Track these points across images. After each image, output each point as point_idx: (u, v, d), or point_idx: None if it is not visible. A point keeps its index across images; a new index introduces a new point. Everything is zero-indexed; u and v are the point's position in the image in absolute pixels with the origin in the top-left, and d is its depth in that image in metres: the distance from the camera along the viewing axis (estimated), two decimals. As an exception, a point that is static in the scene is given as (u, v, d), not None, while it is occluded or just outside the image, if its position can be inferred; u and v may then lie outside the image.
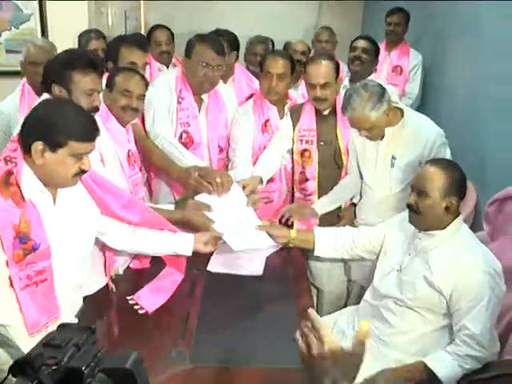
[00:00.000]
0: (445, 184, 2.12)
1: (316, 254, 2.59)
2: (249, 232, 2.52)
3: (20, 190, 1.76)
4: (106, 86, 2.48)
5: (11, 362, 1.70)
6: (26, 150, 1.77)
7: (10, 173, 1.75)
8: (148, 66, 3.67)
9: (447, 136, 2.78)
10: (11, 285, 1.79)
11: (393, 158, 2.72)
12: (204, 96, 3.03)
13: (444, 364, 2.08)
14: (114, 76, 2.51)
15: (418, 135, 2.67)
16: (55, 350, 0.95)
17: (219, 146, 3.09)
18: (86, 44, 3.75)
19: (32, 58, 3.26)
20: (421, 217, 2.18)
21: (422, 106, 4.45)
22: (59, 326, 1.02)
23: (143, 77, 2.60)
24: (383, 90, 2.58)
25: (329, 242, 2.54)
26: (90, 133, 1.83)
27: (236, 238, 2.43)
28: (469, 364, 2.05)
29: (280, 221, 2.88)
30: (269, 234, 2.51)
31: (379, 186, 2.79)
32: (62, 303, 1.95)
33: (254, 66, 3.78)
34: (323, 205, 2.95)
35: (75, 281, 2.03)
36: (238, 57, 3.66)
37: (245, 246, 2.47)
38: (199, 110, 3.03)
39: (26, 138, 1.77)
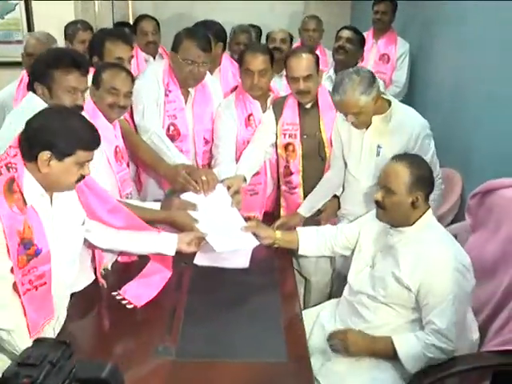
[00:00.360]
0: (410, 180, 2.14)
1: (300, 253, 2.61)
2: (233, 232, 2.53)
3: (22, 196, 1.79)
4: (93, 82, 2.47)
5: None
6: (30, 158, 1.79)
7: (12, 180, 1.77)
8: (134, 57, 3.69)
9: (434, 125, 2.79)
10: (15, 290, 1.82)
11: (378, 147, 2.72)
12: (191, 89, 3.04)
13: (409, 346, 2.12)
14: (100, 73, 2.50)
15: (403, 126, 2.68)
16: (30, 369, 0.96)
17: (205, 139, 3.10)
18: (72, 35, 3.73)
19: (29, 50, 3.34)
20: (387, 212, 2.21)
21: (408, 94, 4.46)
22: (35, 341, 1.04)
23: (129, 73, 2.59)
24: (374, 76, 2.60)
25: (312, 242, 2.56)
26: (97, 142, 1.89)
27: (220, 239, 2.44)
28: (432, 353, 2.08)
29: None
30: (254, 235, 2.52)
31: (364, 176, 2.79)
32: (56, 303, 1.99)
33: (237, 55, 3.77)
34: (308, 208, 2.96)
35: (68, 280, 2.06)
36: (224, 47, 3.65)
37: (228, 247, 2.47)
38: (185, 103, 3.04)
39: (32, 148, 1.78)
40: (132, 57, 2.98)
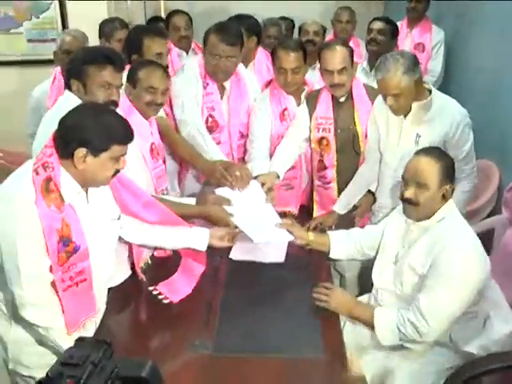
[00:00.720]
0: (441, 173, 2.13)
1: (331, 256, 2.58)
2: (268, 226, 2.53)
3: (60, 195, 1.81)
4: (128, 81, 2.50)
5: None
6: (66, 156, 1.82)
7: (49, 179, 1.79)
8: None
9: (470, 115, 2.74)
10: (53, 289, 1.85)
11: (417, 135, 2.68)
12: (226, 83, 3.07)
13: (386, 318, 2.16)
14: (135, 71, 2.51)
15: (443, 114, 2.65)
16: (74, 369, 0.98)
17: (240, 132, 3.13)
18: (110, 33, 3.74)
19: (66, 47, 3.40)
20: (420, 209, 2.18)
21: (444, 83, 4.39)
22: (76, 341, 1.06)
23: (165, 70, 2.61)
24: (417, 60, 2.59)
25: (342, 246, 2.55)
26: (129, 135, 1.90)
27: (256, 231, 2.44)
28: (407, 329, 2.09)
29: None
30: (289, 233, 2.51)
31: (401, 165, 2.71)
32: (97, 298, 2.02)
33: (269, 48, 3.75)
34: (343, 205, 2.96)
35: (106, 275, 2.09)
36: (259, 41, 3.65)
37: (264, 238, 2.48)
38: (221, 97, 3.07)
39: (67, 145, 1.80)
40: (169, 50, 3.04)
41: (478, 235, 2.21)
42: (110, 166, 1.86)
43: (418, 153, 2.23)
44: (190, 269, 2.40)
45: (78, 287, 1.90)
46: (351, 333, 2.26)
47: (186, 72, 3.05)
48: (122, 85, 2.31)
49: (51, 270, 1.81)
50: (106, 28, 3.79)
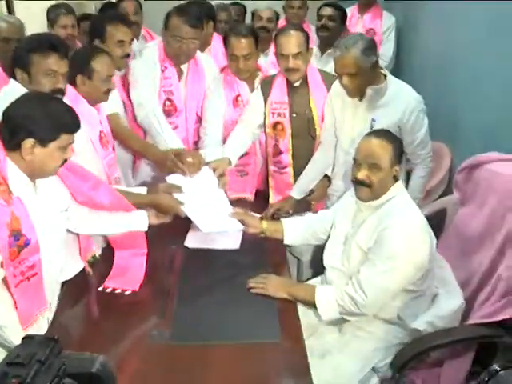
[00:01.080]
0: (392, 154, 2.18)
1: (286, 243, 2.60)
2: (219, 214, 2.53)
3: (8, 188, 1.78)
4: (81, 72, 2.45)
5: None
6: (12, 147, 1.78)
7: None
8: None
9: (422, 96, 2.78)
10: (4, 285, 1.81)
11: (372, 120, 2.71)
12: (183, 66, 3.09)
13: (326, 295, 2.22)
14: (87, 62, 2.46)
15: (398, 99, 2.68)
16: (19, 368, 0.96)
17: (197, 115, 3.14)
18: (55, 19, 3.67)
19: (4, 34, 3.25)
20: (373, 190, 2.21)
21: (395, 68, 4.44)
22: (23, 339, 1.03)
23: (111, 56, 2.59)
24: (375, 44, 2.63)
25: (296, 232, 2.57)
26: (78, 123, 1.90)
27: (206, 220, 2.45)
28: (345, 302, 2.15)
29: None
30: (241, 223, 2.52)
31: (355, 149, 2.78)
32: (48, 292, 1.99)
33: (219, 33, 3.79)
34: (300, 190, 2.99)
35: (57, 267, 2.07)
36: (214, 26, 3.65)
37: (214, 228, 2.49)
38: (179, 80, 3.08)
39: (14, 136, 1.77)
40: (132, 39, 3.01)
41: (430, 215, 2.29)
42: (58, 156, 1.85)
43: (368, 135, 2.27)
44: (131, 256, 2.42)
45: (29, 281, 1.87)
46: (303, 313, 2.28)
47: (144, 56, 3.05)
48: (66, 72, 2.26)
49: (2, 265, 1.77)
50: (52, 13, 3.72)
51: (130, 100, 3.05)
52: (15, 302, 1.84)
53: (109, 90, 2.51)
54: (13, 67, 2.24)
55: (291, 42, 2.77)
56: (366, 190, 2.22)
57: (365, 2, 4.55)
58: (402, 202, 2.22)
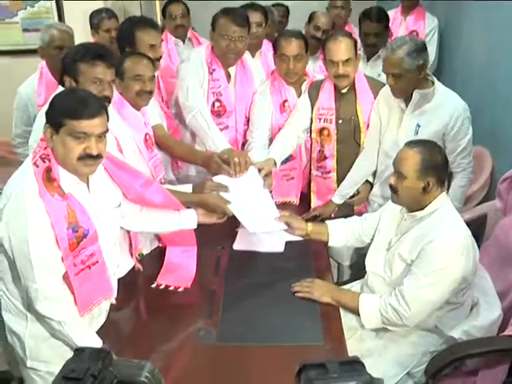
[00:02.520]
0: (420, 166, 2.17)
1: (330, 245, 2.64)
2: (264, 215, 2.57)
3: (59, 185, 1.85)
4: (116, 75, 2.48)
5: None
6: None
7: (49, 169, 1.84)
8: (164, 42, 3.74)
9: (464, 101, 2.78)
10: (65, 282, 1.90)
11: (417, 125, 2.72)
12: (231, 69, 3.15)
13: (370, 303, 2.26)
14: (121, 64, 2.55)
15: (444, 106, 2.69)
16: (75, 383, 1.01)
17: (246, 117, 3.20)
18: (98, 24, 3.75)
19: (59, 43, 3.34)
20: (399, 197, 2.25)
21: (437, 70, 4.41)
22: (76, 351, 1.08)
23: (150, 59, 2.65)
24: (426, 47, 2.66)
25: (341, 235, 2.60)
26: (86, 109, 1.83)
27: (252, 220, 2.50)
28: (388, 313, 2.19)
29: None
30: (287, 225, 2.55)
31: None
32: (113, 282, 2.10)
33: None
34: (341, 195, 3.02)
35: (115, 262, 2.15)
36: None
37: (260, 228, 2.55)
38: (228, 82, 3.14)
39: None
40: (162, 41, 3.03)
41: (470, 221, 2.31)
42: (73, 146, 1.83)
43: (406, 144, 2.28)
44: (182, 253, 2.51)
45: (90, 270, 1.95)
46: (343, 316, 2.31)
47: (192, 59, 3.11)
48: (113, 80, 2.33)
49: (62, 259, 1.86)
50: (95, 19, 3.79)
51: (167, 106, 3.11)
52: (74, 293, 1.92)
53: (141, 91, 2.53)
54: (62, 75, 2.32)
55: (341, 48, 2.81)
56: (394, 195, 2.28)
57: (408, 4, 4.51)
58: (446, 215, 2.23)
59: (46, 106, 1.96)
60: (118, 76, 2.50)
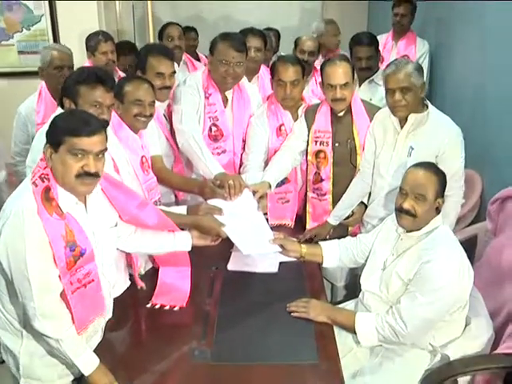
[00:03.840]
0: (438, 187, 2.24)
1: (324, 266, 2.66)
2: (258, 237, 2.60)
3: (58, 205, 1.87)
4: (116, 96, 2.51)
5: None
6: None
7: (48, 189, 1.86)
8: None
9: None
10: (62, 300, 1.91)
11: (411, 147, 2.76)
12: (228, 93, 3.18)
13: (366, 322, 2.28)
14: (122, 87, 2.58)
15: (438, 130, 2.72)
16: None
17: (243, 141, 3.23)
18: (94, 47, 3.77)
19: (58, 63, 3.42)
20: (417, 220, 2.26)
21: (428, 93, 4.47)
22: None
23: (151, 84, 2.68)
24: (423, 71, 2.75)
25: (335, 255, 2.63)
26: (85, 127, 1.86)
27: (246, 242, 2.52)
28: (385, 331, 2.22)
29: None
30: (281, 247, 2.57)
31: (393, 176, 2.81)
32: (108, 301, 2.11)
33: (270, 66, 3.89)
34: (337, 217, 3.05)
35: (111, 281, 2.17)
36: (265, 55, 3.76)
37: (254, 250, 2.57)
38: (225, 106, 3.17)
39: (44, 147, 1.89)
40: (174, 72, 2.99)
41: (461, 241, 2.30)
42: (71, 164, 1.85)
43: (416, 166, 2.31)
44: (176, 272, 2.53)
45: (86, 288, 1.97)
46: (337, 334, 2.33)
47: (188, 83, 3.13)
48: (112, 104, 2.37)
49: (60, 279, 1.87)
50: (91, 41, 3.81)
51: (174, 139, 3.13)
52: (71, 312, 1.93)
53: (139, 114, 2.57)
54: (61, 96, 2.35)
55: (339, 72, 2.85)
56: (410, 219, 2.27)
57: (399, 29, 4.59)
58: (443, 235, 2.27)
59: (45, 127, 1.99)
60: (118, 99, 2.53)
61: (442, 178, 2.27)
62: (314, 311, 2.32)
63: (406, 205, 2.26)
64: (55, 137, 1.86)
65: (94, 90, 2.26)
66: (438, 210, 2.26)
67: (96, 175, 1.91)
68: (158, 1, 6.32)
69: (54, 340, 1.90)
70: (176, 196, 3.23)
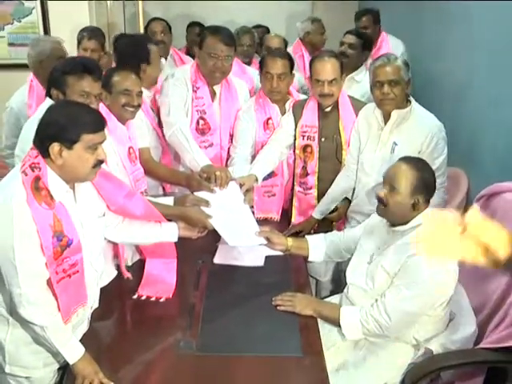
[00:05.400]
0: (415, 182, 2.23)
1: (310, 259, 2.68)
2: (244, 229, 2.61)
3: (49, 193, 1.88)
4: (104, 87, 2.52)
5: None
6: (46, 154, 1.87)
7: (38, 178, 1.86)
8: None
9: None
10: (49, 287, 1.92)
11: (394, 143, 2.79)
12: (216, 87, 3.19)
13: (350, 315, 2.30)
14: (110, 77, 2.60)
15: (420, 126, 2.76)
16: None
17: (230, 135, 3.25)
18: (79, 41, 3.84)
19: (60, 53, 3.40)
20: (388, 210, 2.30)
21: (412, 93, 4.48)
22: None
23: (138, 74, 2.71)
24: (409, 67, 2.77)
25: (320, 249, 2.65)
26: (98, 122, 1.93)
27: (232, 234, 2.54)
28: (370, 324, 2.24)
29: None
30: (268, 240, 2.59)
31: (376, 172, 2.83)
32: (89, 291, 2.10)
33: (242, 56, 4.04)
34: (322, 211, 3.08)
35: (98, 271, 2.17)
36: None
37: (240, 243, 2.59)
38: (212, 100, 3.18)
39: (43, 143, 1.86)
40: (101, 94, 2.44)
41: None
42: (87, 157, 1.90)
43: (401, 159, 2.34)
44: (163, 264, 2.54)
45: (70, 278, 1.97)
46: (321, 327, 2.34)
47: (176, 76, 3.15)
48: (100, 93, 2.38)
49: (47, 266, 1.88)
50: (79, 35, 3.88)
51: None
52: (57, 301, 1.93)
53: (127, 104, 2.59)
54: (49, 87, 2.36)
55: (327, 68, 2.89)
56: (382, 208, 2.32)
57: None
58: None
59: (35, 118, 2.02)
60: (106, 89, 2.54)
61: (424, 175, 2.26)
62: (300, 305, 2.34)
63: (381, 193, 2.31)
64: (68, 136, 1.86)
65: (82, 79, 2.28)
66: (414, 207, 2.25)
67: (103, 161, 1.99)
68: (148, 1, 6.33)
69: (39, 327, 1.90)
70: (164, 189, 3.25)
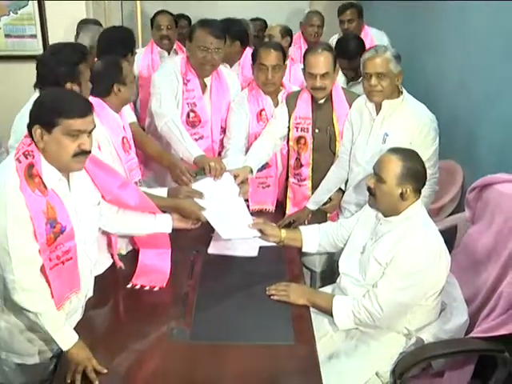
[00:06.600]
0: (401, 172, 2.23)
1: (304, 250, 2.69)
2: (238, 222, 2.62)
3: (42, 180, 1.89)
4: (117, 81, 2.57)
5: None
6: (33, 138, 1.89)
7: (31, 165, 1.87)
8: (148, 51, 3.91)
9: (436, 118, 2.84)
10: (42, 274, 1.93)
11: (385, 134, 2.79)
12: (207, 80, 3.20)
13: (343, 305, 2.32)
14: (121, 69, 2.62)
15: (412, 116, 2.75)
16: None
17: (222, 127, 3.26)
18: (77, 35, 3.83)
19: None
20: (377, 200, 2.33)
21: (407, 86, 4.48)
22: None
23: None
24: (401, 59, 2.75)
25: (314, 240, 2.66)
26: (79, 108, 1.89)
27: (226, 227, 2.55)
28: (361, 314, 2.26)
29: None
30: (261, 232, 2.59)
31: (368, 162, 2.81)
32: (83, 278, 2.11)
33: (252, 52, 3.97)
34: (315, 202, 3.09)
35: (92, 258, 2.18)
36: (245, 43, 3.81)
37: (233, 235, 2.59)
38: (203, 93, 3.19)
39: (29, 127, 1.88)
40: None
41: (441, 232, 2.33)
42: (67, 144, 1.87)
43: (389, 150, 2.34)
44: (157, 255, 2.55)
45: (63, 265, 1.98)
46: (314, 317, 2.35)
47: (166, 68, 3.17)
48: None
49: (40, 253, 1.89)
50: (78, 28, 3.90)
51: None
52: (50, 288, 1.94)
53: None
54: (64, 81, 2.35)
55: (320, 61, 2.89)
56: (371, 198, 2.37)
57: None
58: (421, 221, 2.30)
59: (26, 109, 2.01)
60: (119, 82, 2.58)
61: (411, 166, 2.25)
62: (294, 294, 2.36)
63: (368, 183, 2.34)
64: (47, 119, 1.86)
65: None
66: (402, 197, 2.25)
67: (90, 152, 1.97)
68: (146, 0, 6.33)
69: (32, 313, 1.91)
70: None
